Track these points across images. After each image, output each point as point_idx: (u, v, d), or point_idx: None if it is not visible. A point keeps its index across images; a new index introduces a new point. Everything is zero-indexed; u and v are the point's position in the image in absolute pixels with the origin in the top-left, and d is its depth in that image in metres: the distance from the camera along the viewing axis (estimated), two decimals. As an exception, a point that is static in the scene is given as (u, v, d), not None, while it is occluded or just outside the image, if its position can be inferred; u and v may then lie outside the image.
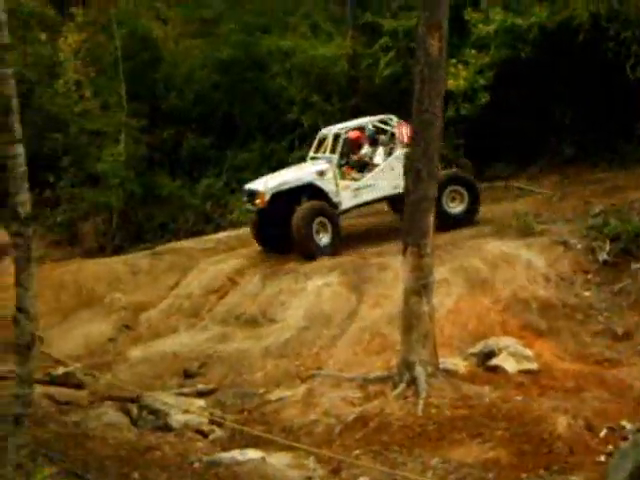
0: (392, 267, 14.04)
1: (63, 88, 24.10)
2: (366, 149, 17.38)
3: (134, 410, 10.82)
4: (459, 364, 11.02)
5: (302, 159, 21.76)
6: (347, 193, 16.47)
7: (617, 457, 7.16)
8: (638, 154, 18.34)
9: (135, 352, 14.35)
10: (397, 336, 11.80)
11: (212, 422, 10.34)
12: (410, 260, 10.40)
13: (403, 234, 10.77)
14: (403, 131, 16.84)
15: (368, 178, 16.69)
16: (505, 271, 13.47)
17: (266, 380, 12.42)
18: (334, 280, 14.35)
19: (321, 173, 16.35)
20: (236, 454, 8.65)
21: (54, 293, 16.48)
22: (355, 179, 16.81)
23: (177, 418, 10.22)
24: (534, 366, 10.98)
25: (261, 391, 11.84)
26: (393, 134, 17.33)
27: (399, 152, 16.72)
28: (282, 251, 16.40)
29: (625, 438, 8.56)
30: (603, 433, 8.87)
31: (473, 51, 19.52)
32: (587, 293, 13.26)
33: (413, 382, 9.96)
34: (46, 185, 23.32)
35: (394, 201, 17.10)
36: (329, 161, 16.58)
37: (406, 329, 10.41)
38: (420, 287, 10.33)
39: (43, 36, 25.87)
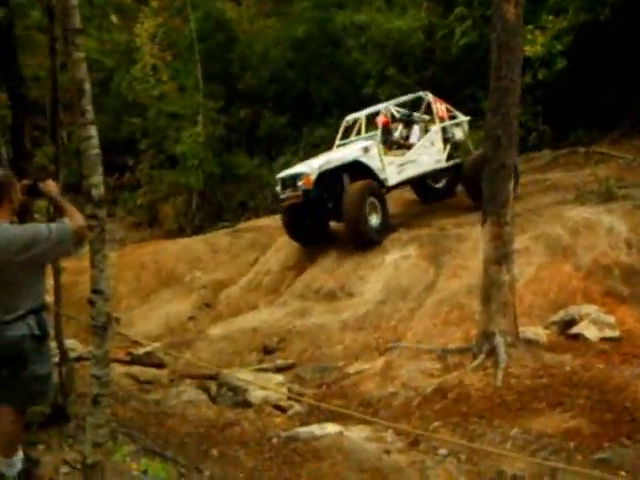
0: (470, 237, 13.88)
1: (140, 73, 24.50)
2: (399, 130, 17.18)
3: (213, 387, 10.91)
4: (540, 333, 10.81)
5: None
6: (392, 169, 15.97)
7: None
8: None
9: (215, 330, 14.48)
10: (476, 307, 11.67)
11: (290, 398, 10.37)
12: (490, 229, 10.26)
13: (483, 203, 10.60)
14: (438, 107, 16.95)
15: (411, 153, 16.35)
16: (587, 237, 13.14)
17: (345, 353, 12.40)
18: (412, 253, 14.23)
19: (366, 149, 15.70)
20: (314, 429, 8.61)
21: (135, 274, 16.75)
22: (397, 155, 16.36)
23: (256, 394, 10.23)
24: (616, 333, 10.71)
25: (340, 365, 11.81)
26: (429, 111, 17.21)
27: (437, 127, 16.63)
28: (316, 243, 15.98)
29: None
30: (687, 400, 8.60)
31: (550, 16, 19.08)
32: (671, 258, 12.87)
33: (492, 352, 9.81)
34: (126, 168, 23.72)
35: (424, 189, 17.60)
36: (370, 138, 16.22)
37: (485, 299, 10.26)
38: (500, 256, 10.17)
39: (119, 22, 26.24)
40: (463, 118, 17.44)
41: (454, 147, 17.07)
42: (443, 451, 7.96)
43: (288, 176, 15.61)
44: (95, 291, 4.93)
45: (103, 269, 4.93)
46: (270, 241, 17.66)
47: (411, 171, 16.29)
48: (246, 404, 10.08)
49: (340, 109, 23.49)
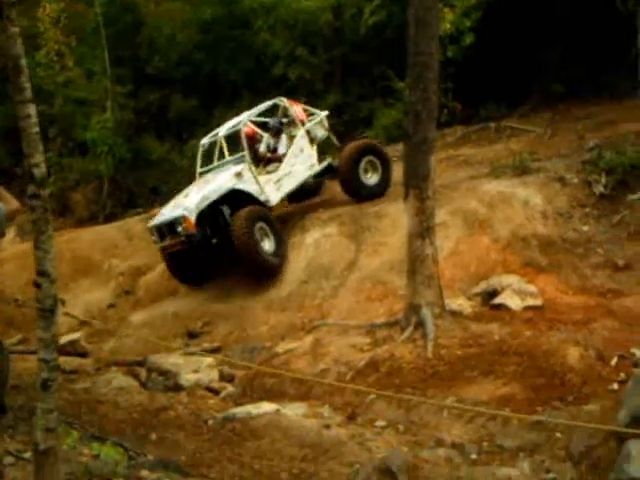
0: (388, 214, 14.04)
1: (45, 59, 23.86)
2: (265, 142, 15.86)
3: (142, 373, 10.83)
4: (464, 304, 11.06)
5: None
6: (270, 187, 14.81)
7: (631, 383, 7.14)
8: (627, 87, 18.24)
9: (137, 316, 14.37)
10: (398, 282, 11.87)
11: (223, 378, 10.36)
12: (412, 203, 10.38)
13: (404, 177, 10.71)
14: (296, 109, 16.05)
15: (285, 165, 15.15)
16: (503, 210, 13.42)
17: (270, 334, 12.46)
18: (332, 231, 14.31)
19: (239, 175, 14.46)
20: (250, 408, 8.63)
21: (51, 264, 16.41)
22: (270, 171, 15.17)
23: (187, 377, 10.21)
24: (539, 302, 11.01)
25: (267, 345, 11.84)
26: (287, 116, 16.16)
27: (302, 131, 15.56)
28: (207, 280, 14.85)
29: (637, 365, 8.60)
30: (614, 362, 8.90)
31: (459, -7, 19.30)
32: (585, 227, 13.25)
33: (420, 324, 9.97)
34: (33, 157, 23.18)
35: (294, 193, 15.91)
36: (239, 161, 14.93)
37: (411, 272, 10.40)
38: (423, 230, 10.32)
39: (20, 8, 25.56)
40: (321, 114, 16.36)
41: (320, 146, 16.19)
42: (381, 423, 8.08)
43: (164, 223, 14.17)
44: (41, 273, 4.81)
45: (48, 250, 4.82)
46: (187, 225, 17.50)
47: (289, 184, 15.20)
48: (178, 388, 10.04)
49: (250, 90, 23.40)
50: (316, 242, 14.27)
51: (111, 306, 15.11)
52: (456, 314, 10.54)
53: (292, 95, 21.42)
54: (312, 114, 16.39)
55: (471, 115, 19.96)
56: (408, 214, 10.56)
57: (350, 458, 7.05)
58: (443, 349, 9.50)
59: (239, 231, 13.49)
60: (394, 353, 9.67)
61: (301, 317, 12.69)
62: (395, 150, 16.80)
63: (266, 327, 12.80)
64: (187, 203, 14.10)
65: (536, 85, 19.57)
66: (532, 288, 11.23)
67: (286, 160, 15.20)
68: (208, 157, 15.97)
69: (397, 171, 13.49)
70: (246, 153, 14.75)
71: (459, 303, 11.03)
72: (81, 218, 23.19)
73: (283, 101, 16.25)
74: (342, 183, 15.79)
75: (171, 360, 10.82)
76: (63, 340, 12.42)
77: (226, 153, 15.93)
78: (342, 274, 13.35)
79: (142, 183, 23.39)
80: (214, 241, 14.16)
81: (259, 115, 16.20)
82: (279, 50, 22.47)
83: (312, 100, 21.73)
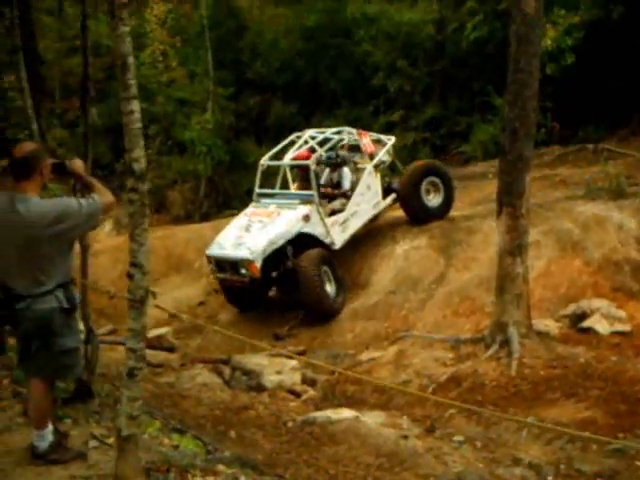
0: (481, 230, 13.97)
1: (149, 58, 24.46)
2: (326, 175, 15.22)
3: (226, 371, 10.96)
4: (551, 326, 10.89)
5: (388, 125, 21.83)
6: (336, 230, 14.25)
7: None
8: None
9: (225, 315, 14.56)
10: (486, 299, 11.78)
11: (305, 382, 10.44)
12: (505, 221, 10.32)
13: (498, 194, 10.64)
14: (365, 141, 15.23)
15: (352, 205, 14.54)
16: (597, 233, 13.19)
17: (355, 342, 12.49)
18: (422, 243, 14.30)
19: (307, 218, 13.89)
20: (330, 413, 8.66)
21: (145, 259, 16.72)
22: (335, 211, 14.52)
23: (270, 378, 10.31)
24: (627, 327, 10.79)
25: (351, 352, 11.89)
26: (356, 147, 15.43)
27: (370, 167, 14.88)
28: (257, 308, 14.46)
29: None
30: (700, 393, 8.69)
31: (562, 11, 19.13)
32: (680, 255, 12.94)
33: (506, 343, 9.90)
34: (134, 154, 23.72)
35: None
36: (306, 199, 14.22)
37: (500, 290, 10.33)
38: (515, 248, 10.25)
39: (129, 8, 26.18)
40: (388, 141, 15.70)
41: (385, 177, 15.71)
42: (459, 437, 8.04)
43: (225, 260, 13.69)
44: (134, 264, 4.96)
45: (143, 242, 4.97)
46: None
47: (354, 225, 14.60)
48: (260, 388, 10.15)
49: (349, 100, 23.64)
50: (405, 253, 14.28)
51: (201, 304, 15.31)
52: (542, 335, 10.41)
53: (390, 107, 21.63)
54: (379, 140, 15.78)
55: (569, 136, 19.71)
56: (500, 231, 10.50)
57: (426, 470, 7.03)
58: (527, 369, 9.41)
59: (307, 274, 13.13)
60: (477, 369, 9.62)
61: (386, 327, 12.70)
62: (491, 166, 16.70)
63: (351, 335, 12.84)
64: (251, 243, 13.42)
65: (636, 109, 19.17)
66: (621, 313, 11.03)
67: (353, 199, 14.56)
68: (266, 178, 15.42)
69: (492, 188, 13.38)
70: (315, 193, 14.09)
71: (546, 324, 10.88)
72: (177, 216, 23.64)
73: (352, 133, 15.53)
74: (403, 205, 15.36)
75: (255, 360, 10.94)
76: (151, 334, 12.70)
77: (290, 183, 15.51)
78: (430, 287, 13.32)
79: (238, 185, 23.71)
80: (273, 275, 13.59)
81: (324, 141, 15.20)
82: (379, 61, 22.59)
83: (410, 112, 21.82)
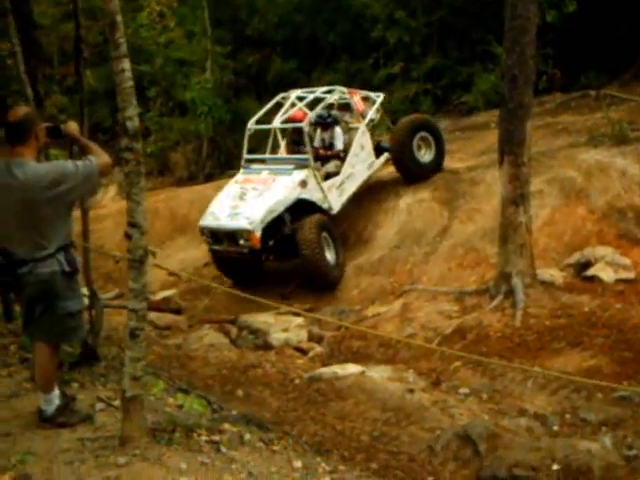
0: (484, 181, 13.92)
1: (147, 20, 24.25)
2: (319, 135, 14.74)
3: (233, 331, 11.04)
4: (556, 275, 10.90)
5: (389, 77, 21.67)
6: (333, 194, 13.83)
7: None
8: None
9: (231, 275, 14.56)
10: (490, 250, 11.78)
11: (312, 339, 10.49)
12: (507, 170, 10.29)
13: (499, 143, 10.59)
14: (356, 100, 14.85)
15: (347, 167, 14.11)
16: (600, 180, 13.11)
17: (361, 298, 12.52)
18: (426, 196, 14.23)
19: (304, 183, 13.40)
20: (336, 369, 8.74)
21: (149, 221, 16.70)
22: (330, 174, 14.03)
23: (277, 336, 10.39)
24: (632, 275, 10.80)
25: (357, 308, 11.92)
26: (346, 106, 15.05)
27: (363, 127, 14.51)
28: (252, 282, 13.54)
29: None
30: None
31: (562, -43, 18.85)
32: (684, 200, 12.88)
33: (510, 293, 9.93)
34: (134, 117, 23.62)
35: None
36: (301, 164, 13.73)
37: (503, 240, 10.34)
38: (517, 197, 10.23)
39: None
40: (377, 99, 15.26)
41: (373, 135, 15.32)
42: (465, 390, 8.09)
43: (221, 230, 13.12)
44: (132, 224, 4.98)
45: (140, 202, 4.99)
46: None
47: (351, 188, 14.20)
48: (267, 346, 10.23)
49: (349, 53, 23.42)
50: (409, 207, 14.22)
51: (206, 265, 15.30)
52: (547, 284, 10.43)
53: (389, 59, 21.44)
54: (367, 98, 15.34)
55: (571, 83, 19.51)
56: (502, 181, 10.49)
57: (432, 423, 7.08)
58: (532, 319, 9.45)
59: (307, 242, 12.68)
60: (482, 321, 9.66)
61: (391, 282, 12.71)
62: (492, 116, 16.60)
63: (356, 291, 12.86)
64: (249, 212, 12.87)
65: (638, 54, 18.96)
66: (626, 261, 11.02)
67: (348, 160, 14.14)
68: (255, 141, 14.94)
69: (495, 138, 13.31)
70: (310, 157, 13.67)
71: (551, 273, 10.88)
72: (180, 178, 23.59)
73: (343, 92, 15.00)
74: (396, 163, 14.94)
75: (262, 319, 11.01)
76: (157, 297, 12.76)
77: (282, 146, 15.00)
78: (434, 240, 13.30)
79: (240, 144, 23.59)
80: (269, 244, 13.07)
81: (314, 102, 14.59)
82: (378, 13, 22.26)
83: (410, 64, 21.65)
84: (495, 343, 9.16)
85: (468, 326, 9.64)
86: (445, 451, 6.32)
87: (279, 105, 15.04)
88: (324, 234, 13.11)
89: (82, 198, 6.69)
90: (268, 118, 14.94)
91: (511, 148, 10.30)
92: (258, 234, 12.67)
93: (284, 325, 10.67)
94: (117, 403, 5.85)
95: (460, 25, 21.67)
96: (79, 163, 5.39)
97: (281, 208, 13.08)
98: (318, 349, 10.18)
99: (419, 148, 14.82)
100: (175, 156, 24.29)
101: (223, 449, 5.23)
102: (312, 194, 13.51)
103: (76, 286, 5.57)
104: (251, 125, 14.83)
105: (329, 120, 14.52)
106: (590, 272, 10.88)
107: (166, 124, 24.02)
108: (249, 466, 5.00)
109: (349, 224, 14.54)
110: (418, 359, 9.16)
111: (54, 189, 5.25)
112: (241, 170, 14.41)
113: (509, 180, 10.29)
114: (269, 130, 15.00)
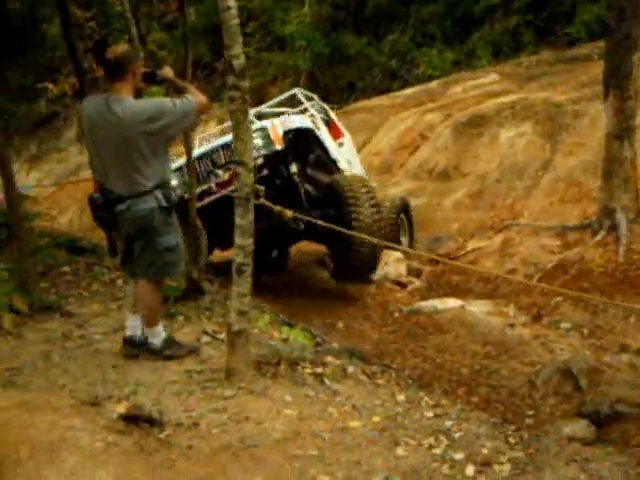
0: (587, 113, 13.57)
1: (247, -46, 24.20)
2: None
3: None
4: (661, 210, 10.63)
5: (488, 8, 21.19)
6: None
7: None
8: None
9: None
10: (593, 185, 11.54)
11: (411, 273, 10.53)
12: (612, 103, 10.02)
13: (604, 76, 10.32)
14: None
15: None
16: None
17: (460, 232, 12.46)
18: (527, 130, 14.00)
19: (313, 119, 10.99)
20: (436, 303, 8.78)
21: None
22: None
23: (376, 270, 10.43)
24: None
25: (459, 239, 11.91)
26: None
27: None
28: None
29: None
30: None
31: None
32: None
33: (613, 228, 9.72)
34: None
35: None
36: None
37: (607, 175, 10.10)
38: (622, 131, 9.96)
39: None
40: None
41: None
42: (566, 325, 8.03)
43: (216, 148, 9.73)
44: (239, 162, 5.06)
45: (246, 140, 5.05)
46: (381, 121, 17.56)
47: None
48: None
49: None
50: (510, 140, 14.03)
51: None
52: (652, 220, 10.20)
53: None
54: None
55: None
56: (607, 114, 10.21)
57: (532, 358, 7.06)
58: (635, 255, 9.25)
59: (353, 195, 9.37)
60: (584, 256, 9.50)
61: (492, 217, 12.63)
62: (595, 47, 16.15)
63: (456, 225, 12.83)
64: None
65: None
66: None
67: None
68: None
69: (598, 70, 12.95)
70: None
71: (656, 208, 10.63)
72: (278, 112, 23.64)
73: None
74: None
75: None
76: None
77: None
78: (536, 174, 13.11)
79: (339, 78, 23.54)
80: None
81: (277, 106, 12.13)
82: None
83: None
84: (597, 279, 9.02)
85: (570, 261, 9.50)
86: (546, 386, 6.30)
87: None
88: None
89: (182, 134, 6.80)
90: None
91: (617, 81, 10.01)
92: (280, 131, 9.53)
93: (383, 259, 10.70)
94: (222, 336, 6.03)
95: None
96: (177, 101, 5.49)
97: (300, 125, 10.07)
98: (417, 283, 10.23)
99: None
100: (273, 90, 24.28)
101: (327, 382, 5.33)
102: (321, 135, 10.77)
103: (173, 221, 5.69)
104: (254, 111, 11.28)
105: None
106: (698, 209, 10.58)
107: (264, 59, 24.06)
108: (353, 399, 5.09)
109: (449, 157, 14.43)
110: (518, 294, 9.10)
111: (151, 124, 5.37)
112: None
113: (614, 114, 10.02)
114: None
